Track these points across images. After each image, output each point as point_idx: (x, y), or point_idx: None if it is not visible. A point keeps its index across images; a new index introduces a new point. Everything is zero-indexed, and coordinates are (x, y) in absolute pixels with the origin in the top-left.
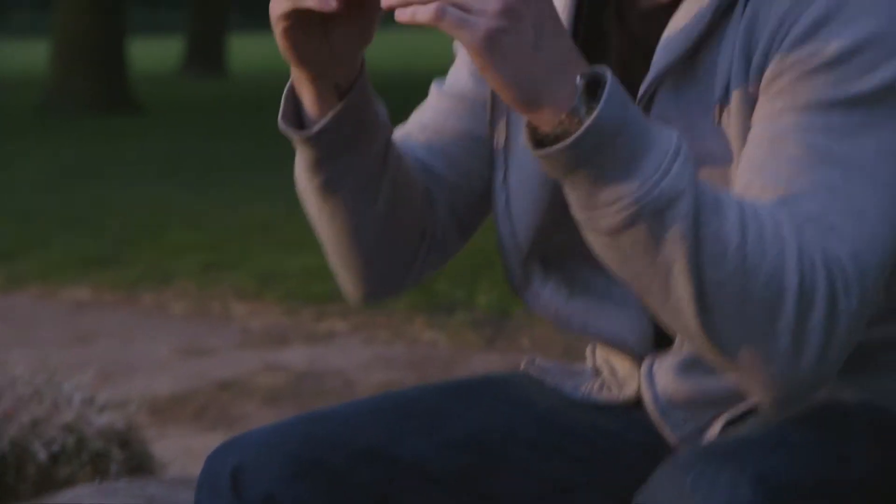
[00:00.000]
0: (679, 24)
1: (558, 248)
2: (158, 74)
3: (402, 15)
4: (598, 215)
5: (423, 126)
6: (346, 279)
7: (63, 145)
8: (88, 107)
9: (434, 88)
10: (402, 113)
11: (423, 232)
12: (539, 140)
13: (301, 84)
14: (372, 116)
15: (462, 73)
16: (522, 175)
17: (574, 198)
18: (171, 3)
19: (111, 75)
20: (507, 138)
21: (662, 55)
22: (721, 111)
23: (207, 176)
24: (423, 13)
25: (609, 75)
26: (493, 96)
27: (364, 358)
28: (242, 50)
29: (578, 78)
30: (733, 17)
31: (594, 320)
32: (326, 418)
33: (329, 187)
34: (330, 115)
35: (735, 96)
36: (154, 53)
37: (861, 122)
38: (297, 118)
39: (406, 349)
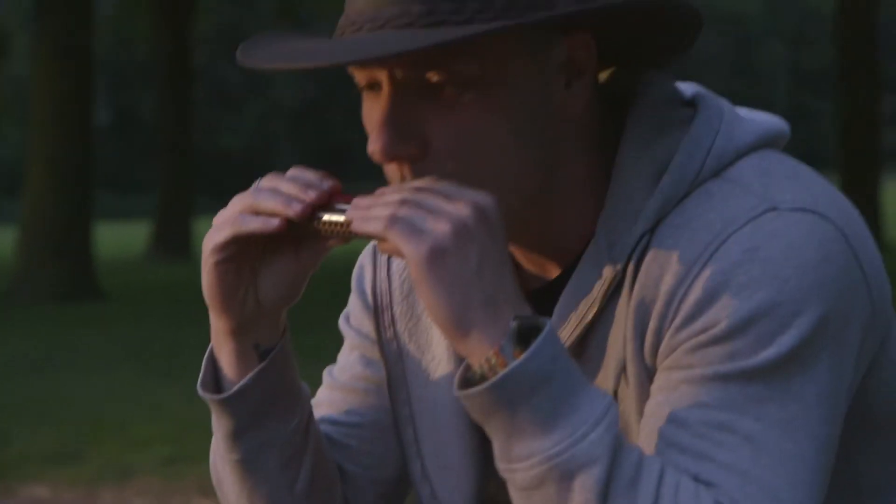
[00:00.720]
0: (568, 306)
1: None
2: (124, 259)
3: (357, 224)
4: (513, 468)
5: (322, 418)
6: None
7: (26, 334)
8: (53, 294)
9: (326, 378)
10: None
11: None
12: (466, 380)
13: (220, 343)
14: (294, 384)
15: (350, 359)
16: (438, 443)
17: (495, 446)
18: (138, 188)
19: (77, 262)
20: (411, 414)
21: None
22: (616, 389)
23: (172, 364)
24: (374, 223)
25: (548, 326)
26: (388, 372)
27: None
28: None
29: (513, 319)
30: (621, 297)
31: None
32: None
33: (249, 462)
34: (249, 375)
35: (631, 376)
36: (120, 238)
37: (760, 396)
38: (217, 385)
39: None
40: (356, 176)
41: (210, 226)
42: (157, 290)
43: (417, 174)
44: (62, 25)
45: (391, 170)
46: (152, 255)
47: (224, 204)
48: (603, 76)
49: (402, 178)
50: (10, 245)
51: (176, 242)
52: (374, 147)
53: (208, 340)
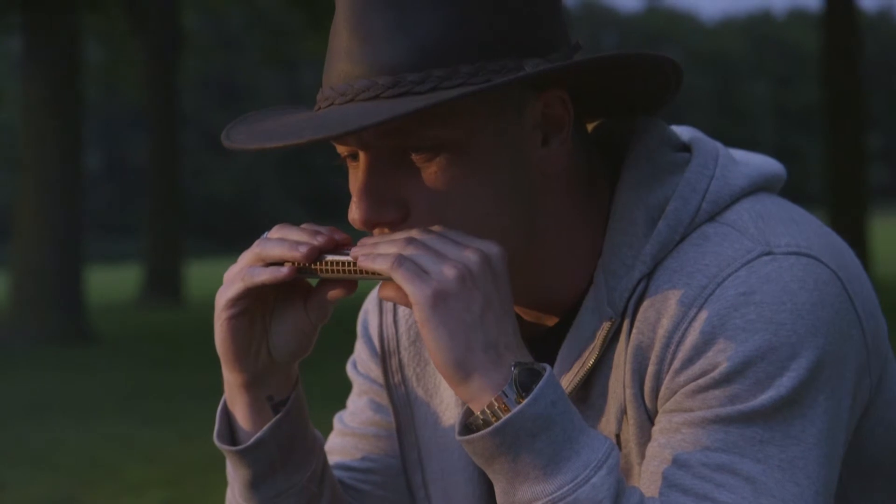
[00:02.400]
0: (570, 352)
1: None
2: (116, 303)
3: (364, 261)
4: None
5: (335, 464)
6: None
7: (18, 380)
8: (45, 340)
9: (337, 425)
10: None
11: None
12: (468, 426)
13: (234, 396)
14: (308, 434)
15: (360, 404)
16: (446, 487)
17: (497, 490)
18: (129, 232)
19: (68, 307)
20: (420, 459)
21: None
22: (619, 433)
23: (166, 408)
24: (380, 261)
25: (548, 372)
26: (397, 417)
27: None
28: (199, 276)
29: (514, 365)
30: (620, 342)
31: None
32: None
33: None
34: (265, 428)
35: (631, 419)
36: (112, 282)
37: (761, 438)
38: (232, 437)
39: None
40: (346, 221)
41: (200, 270)
42: (149, 333)
43: None
44: (51, 72)
45: (376, 234)
46: (144, 298)
47: (213, 247)
48: (593, 125)
49: None
50: (2, 290)
51: (167, 286)
52: (353, 216)
53: (201, 384)
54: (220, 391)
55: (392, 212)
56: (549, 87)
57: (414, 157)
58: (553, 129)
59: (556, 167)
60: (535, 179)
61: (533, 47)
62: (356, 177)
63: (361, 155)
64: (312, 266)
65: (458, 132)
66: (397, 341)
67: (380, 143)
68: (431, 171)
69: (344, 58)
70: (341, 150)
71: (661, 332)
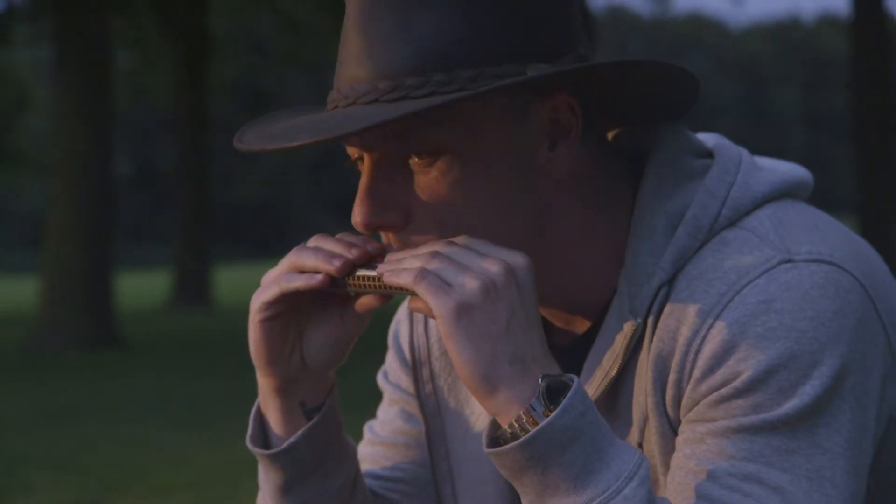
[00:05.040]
0: (595, 361)
1: None
2: (145, 308)
3: (388, 276)
4: None
5: (364, 472)
6: None
7: (48, 385)
8: (75, 344)
9: (367, 433)
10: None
11: None
12: (495, 439)
13: (267, 400)
14: (342, 441)
15: (390, 413)
16: (476, 498)
17: (525, 503)
18: (158, 237)
19: (98, 312)
20: (450, 469)
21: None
22: (642, 442)
23: (194, 413)
24: (404, 276)
25: (576, 383)
26: (427, 427)
27: None
28: (228, 281)
29: (541, 378)
30: (642, 351)
31: None
32: None
33: None
34: (298, 433)
35: (653, 427)
36: (141, 287)
37: (787, 447)
38: (265, 441)
39: None
40: None
41: (229, 275)
42: (178, 338)
43: (403, 242)
44: (82, 79)
45: (382, 237)
46: (173, 303)
47: (242, 252)
48: (613, 133)
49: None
50: (33, 296)
51: (196, 291)
52: (355, 218)
53: (229, 388)
54: (249, 396)
55: (393, 215)
56: (556, 92)
57: (415, 161)
58: (560, 134)
59: (563, 172)
60: (540, 184)
61: (537, 53)
62: (361, 180)
63: (365, 157)
64: (346, 279)
65: (458, 136)
66: (428, 351)
67: (381, 147)
68: (432, 176)
69: (351, 61)
70: (351, 152)
71: (681, 339)
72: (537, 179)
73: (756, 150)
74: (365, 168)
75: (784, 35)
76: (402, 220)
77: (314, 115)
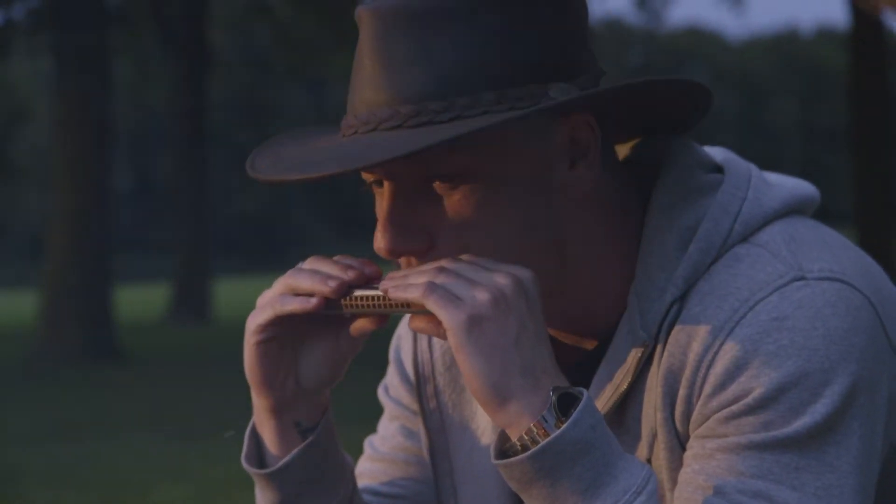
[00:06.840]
0: (605, 376)
1: None
2: (144, 321)
3: (394, 291)
4: None
5: (364, 488)
6: None
7: (48, 398)
8: (75, 358)
9: (367, 449)
10: None
11: None
12: (504, 451)
13: (262, 420)
14: (338, 460)
15: (391, 429)
16: None
17: None
18: (157, 250)
19: (97, 325)
20: (453, 486)
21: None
22: (650, 457)
23: (193, 426)
24: (412, 290)
25: (586, 396)
26: (431, 444)
27: None
28: (227, 294)
29: (552, 390)
30: (653, 366)
31: None
32: None
33: None
34: (293, 453)
35: (661, 443)
36: (140, 300)
37: (796, 465)
38: (260, 460)
39: None
40: (372, 240)
41: (228, 288)
42: (177, 351)
43: None
44: (81, 92)
45: (402, 262)
46: (172, 316)
47: (241, 266)
48: (626, 147)
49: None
50: (32, 309)
51: (195, 304)
52: (378, 245)
53: (228, 402)
54: (248, 410)
55: (418, 240)
56: (576, 110)
57: (438, 185)
58: (580, 152)
59: (583, 191)
60: (562, 203)
61: (558, 71)
62: (381, 205)
63: (386, 183)
64: (342, 300)
65: (482, 159)
66: (432, 367)
67: (404, 172)
68: (456, 199)
69: (367, 85)
70: (367, 176)
71: (692, 355)
72: (558, 198)
73: (754, 162)
74: (385, 193)
75: (782, 47)
76: (426, 244)
77: (328, 138)
